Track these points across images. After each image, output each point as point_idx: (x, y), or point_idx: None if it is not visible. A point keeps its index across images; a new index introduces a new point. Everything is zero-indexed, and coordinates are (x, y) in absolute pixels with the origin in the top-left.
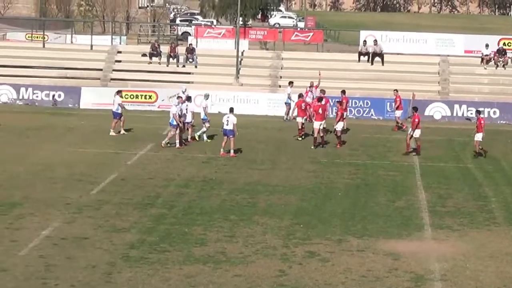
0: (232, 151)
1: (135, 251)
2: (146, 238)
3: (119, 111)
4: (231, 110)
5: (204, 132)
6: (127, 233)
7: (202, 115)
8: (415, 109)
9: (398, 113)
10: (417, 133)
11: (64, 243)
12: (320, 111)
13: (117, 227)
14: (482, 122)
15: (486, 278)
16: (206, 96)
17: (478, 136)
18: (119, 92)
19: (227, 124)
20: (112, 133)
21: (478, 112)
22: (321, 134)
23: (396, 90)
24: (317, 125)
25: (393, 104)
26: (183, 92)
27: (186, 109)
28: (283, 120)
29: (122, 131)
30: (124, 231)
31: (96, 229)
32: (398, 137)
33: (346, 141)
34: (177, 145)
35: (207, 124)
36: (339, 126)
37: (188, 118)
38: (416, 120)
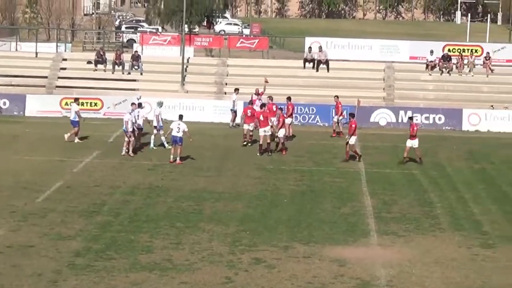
0: (178, 158)
1: (81, 259)
2: (92, 245)
3: (77, 119)
4: (181, 117)
5: (164, 140)
6: (73, 240)
7: (155, 123)
8: (352, 115)
9: (337, 118)
10: (352, 140)
11: (10, 251)
12: (261, 117)
13: (63, 235)
14: (415, 128)
15: (432, 284)
16: (160, 104)
17: (414, 143)
18: (76, 100)
19: (178, 132)
20: (77, 139)
21: (410, 118)
22: (268, 141)
23: (337, 96)
24: (262, 132)
25: (334, 110)
26: (138, 99)
27: (138, 115)
28: (229, 127)
29: (76, 140)
30: (70, 239)
31: (42, 237)
32: (344, 144)
33: (287, 148)
34: (123, 152)
35: (161, 132)
36: (281, 133)
37: (140, 125)
38: (353, 126)
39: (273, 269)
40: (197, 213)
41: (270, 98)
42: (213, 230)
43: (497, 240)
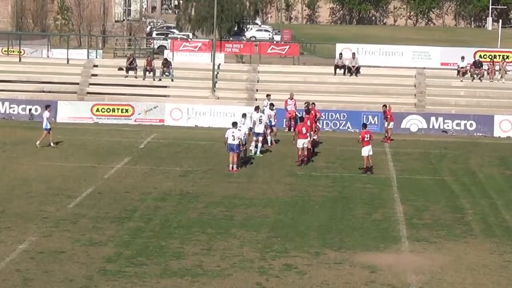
0: (235, 166)
1: (112, 265)
2: (123, 251)
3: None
4: (235, 124)
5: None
6: (104, 246)
7: (261, 129)
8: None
9: (391, 124)
10: (365, 151)
11: (41, 257)
12: (303, 130)
13: (94, 241)
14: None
15: None
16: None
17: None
18: (256, 109)
19: (233, 139)
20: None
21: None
22: (305, 152)
23: (385, 106)
24: (300, 144)
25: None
26: (266, 106)
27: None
28: None
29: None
30: (101, 245)
31: (73, 243)
32: (374, 150)
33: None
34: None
35: (260, 138)
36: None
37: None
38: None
39: (304, 275)
40: (228, 219)
41: (314, 104)
42: (244, 236)
43: None
